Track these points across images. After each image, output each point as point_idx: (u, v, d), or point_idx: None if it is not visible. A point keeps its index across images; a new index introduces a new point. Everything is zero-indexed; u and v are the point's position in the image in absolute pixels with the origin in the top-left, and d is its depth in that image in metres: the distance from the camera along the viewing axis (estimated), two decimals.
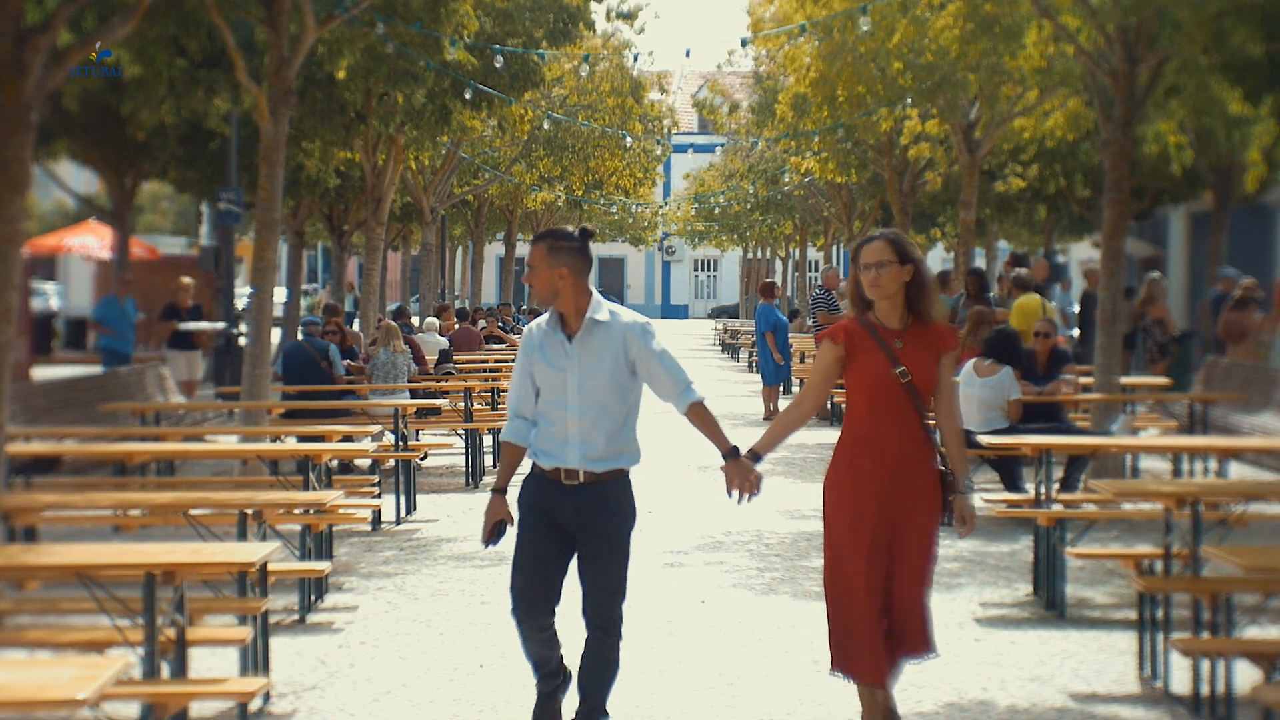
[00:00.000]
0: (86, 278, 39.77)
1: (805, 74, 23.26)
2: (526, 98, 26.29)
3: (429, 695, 7.79)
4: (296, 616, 9.51)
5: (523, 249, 58.04)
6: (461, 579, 10.74)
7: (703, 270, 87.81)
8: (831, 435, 19.62)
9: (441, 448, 16.66)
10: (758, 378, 24.69)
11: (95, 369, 24.29)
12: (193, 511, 8.70)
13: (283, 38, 15.10)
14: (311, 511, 9.96)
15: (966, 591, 10.22)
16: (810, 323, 23.03)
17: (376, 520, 12.93)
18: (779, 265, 67.49)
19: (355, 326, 25.96)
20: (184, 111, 17.81)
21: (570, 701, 6.75)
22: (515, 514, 6.59)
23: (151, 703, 6.48)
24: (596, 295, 6.52)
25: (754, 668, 8.26)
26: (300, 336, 16.84)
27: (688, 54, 25.27)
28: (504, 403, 18.39)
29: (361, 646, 8.81)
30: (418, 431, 16.72)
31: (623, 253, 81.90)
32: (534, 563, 6.50)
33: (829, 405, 21.80)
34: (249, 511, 8.32)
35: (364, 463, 15.72)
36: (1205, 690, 7.42)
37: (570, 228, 6.55)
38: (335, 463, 14.68)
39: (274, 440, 13.64)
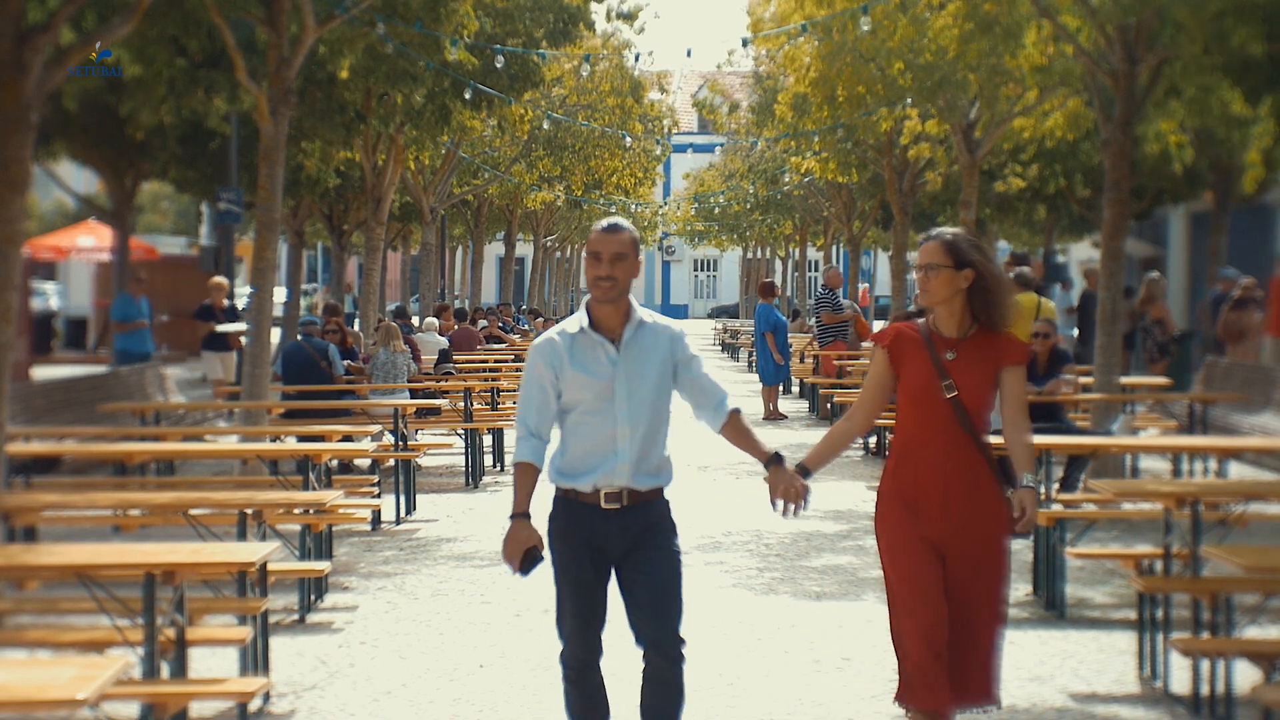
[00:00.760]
0: (86, 278, 39.75)
1: (805, 74, 23.24)
2: (526, 98, 26.29)
3: (429, 695, 7.79)
4: (296, 616, 9.51)
5: (523, 249, 58.06)
6: (461, 579, 10.74)
7: (702, 270, 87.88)
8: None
9: (441, 448, 16.67)
10: (757, 377, 24.68)
11: (96, 369, 24.30)
12: (193, 511, 8.70)
13: (283, 38, 15.10)
14: (311, 511, 9.96)
15: None
16: (812, 322, 22.99)
17: (376, 520, 12.93)
18: (779, 265, 67.48)
19: (355, 327, 25.95)
20: (184, 111, 17.80)
21: None
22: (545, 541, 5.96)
23: (151, 703, 6.48)
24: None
25: (754, 668, 8.26)
26: (299, 337, 16.83)
27: (688, 54, 25.29)
28: (504, 402, 18.38)
29: (361, 646, 8.81)
30: (417, 431, 16.72)
31: None
32: (586, 599, 5.84)
33: (829, 405, 21.80)
34: (249, 511, 8.33)
35: (364, 463, 15.72)
36: (1205, 690, 7.42)
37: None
38: (335, 463, 14.68)
39: (274, 440, 13.64)
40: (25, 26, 8.88)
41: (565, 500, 5.89)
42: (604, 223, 5.89)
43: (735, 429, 5.99)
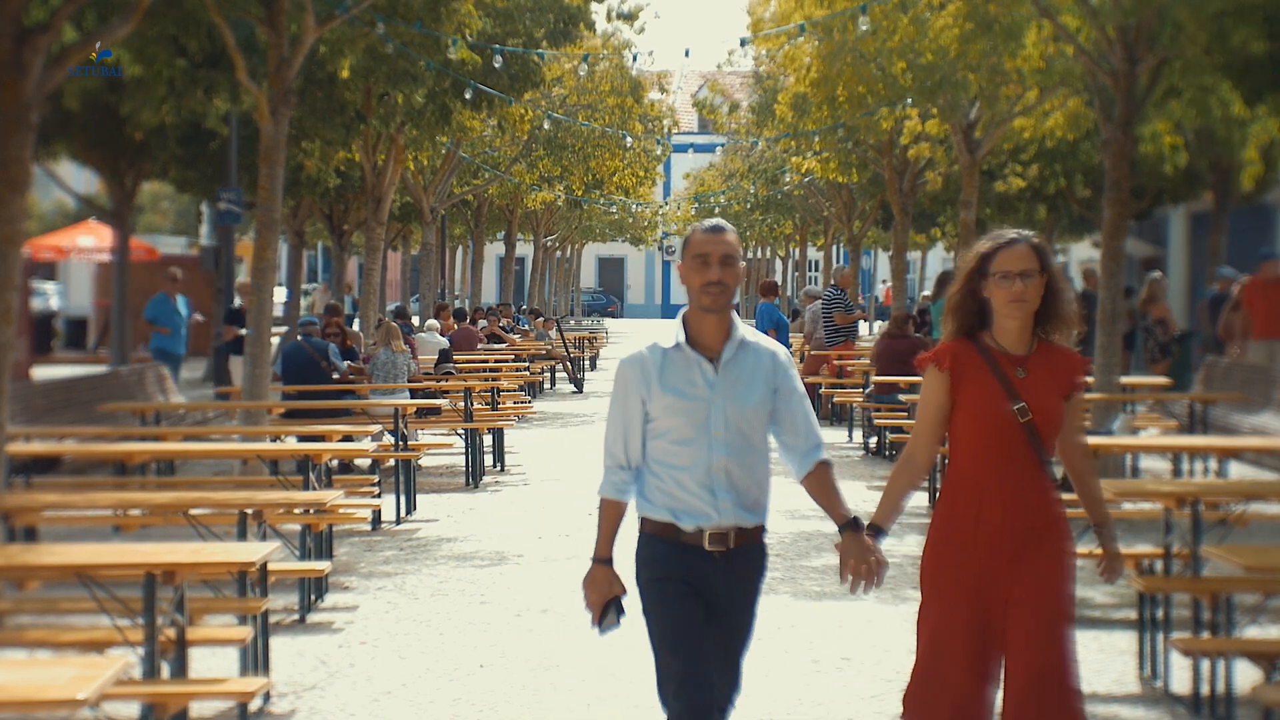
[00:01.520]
0: (86, 278, 39.74)
1: (805, 74, 23.24)
2: (526, 98, 26.28)
3: (429, 695, 7.79)
4: (296, 616, 9.51)
5: (523, 249, 58.07)
6: (461, 579, 10.74)
7: None
8: (835, 435, 19.68)
9: (441, 447, 16.67)
10: None
11: (96, 369, 24.30)
12: (193, 511, 8.70)
13: (283, 38, 15.10)
14: (311, 511, 9.96)
15: None
16: (821, 325, 22.93)
17: (376, 520, 12.93)
18: (779, 265, 67.48)
19: (355, 327, 25.95)
20: (184, 111, 17.79)
21: None
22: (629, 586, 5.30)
23: (151, 703, 6.48)
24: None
25: (754, 668, 8.24)
26: (299, 337, 16.83)
27: (687, 54, 25.29)
28: (504, 402, 18.37)
29: (361, 646, 8.81)
30: (418, 431, 16.72)
31: (623, 253, 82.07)
32: (694, 645, 5.12)
33: (829, 405, 21.78)
34: (249, 511, 8.33)
35: (364, 463, 15.72)
36: (1205, 690, 7.43)
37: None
38: (335, 462, 14.68)
39: (274, 440, 13.64)
40: (25, 26, 8.88)
41: (659, 540, 5.21)
42: (708, 223, 5.34)
43: (820, 482, 5.41)
